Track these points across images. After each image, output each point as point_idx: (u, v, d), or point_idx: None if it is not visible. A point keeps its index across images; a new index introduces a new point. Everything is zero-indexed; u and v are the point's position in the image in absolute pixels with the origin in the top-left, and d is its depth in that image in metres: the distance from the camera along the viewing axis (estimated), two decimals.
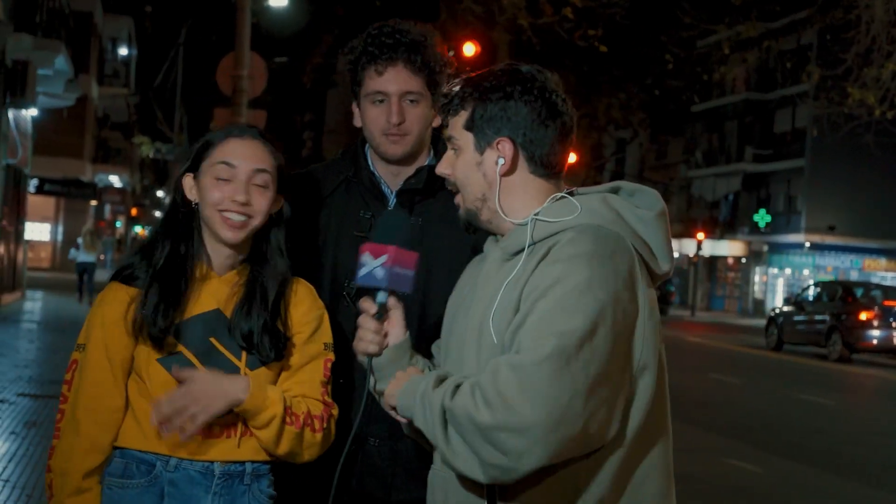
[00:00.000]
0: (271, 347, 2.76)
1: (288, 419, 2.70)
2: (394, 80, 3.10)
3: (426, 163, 3.22)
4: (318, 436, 2.76)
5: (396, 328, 2.62)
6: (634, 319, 2.36)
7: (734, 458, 11.32)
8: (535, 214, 2.46)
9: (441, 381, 2.38)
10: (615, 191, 2.53)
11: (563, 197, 2.48)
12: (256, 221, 2.79)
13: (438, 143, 3.26)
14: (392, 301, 2.60)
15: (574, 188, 2.55)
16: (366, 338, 2.60)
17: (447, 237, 3.16)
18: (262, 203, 2.78)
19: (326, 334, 2.88)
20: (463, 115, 2.53)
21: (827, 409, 16.57)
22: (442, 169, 2.58)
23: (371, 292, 2.61)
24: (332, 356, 2.86)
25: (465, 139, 2.53)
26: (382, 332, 2.59)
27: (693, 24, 25.41)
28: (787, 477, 10.75)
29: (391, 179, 3.22)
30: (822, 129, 25.94)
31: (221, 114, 16.00)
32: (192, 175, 2.81)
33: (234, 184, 2.75)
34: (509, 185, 2.50)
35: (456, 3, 27.67)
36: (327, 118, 65.19)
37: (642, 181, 54.79)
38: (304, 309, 2.86)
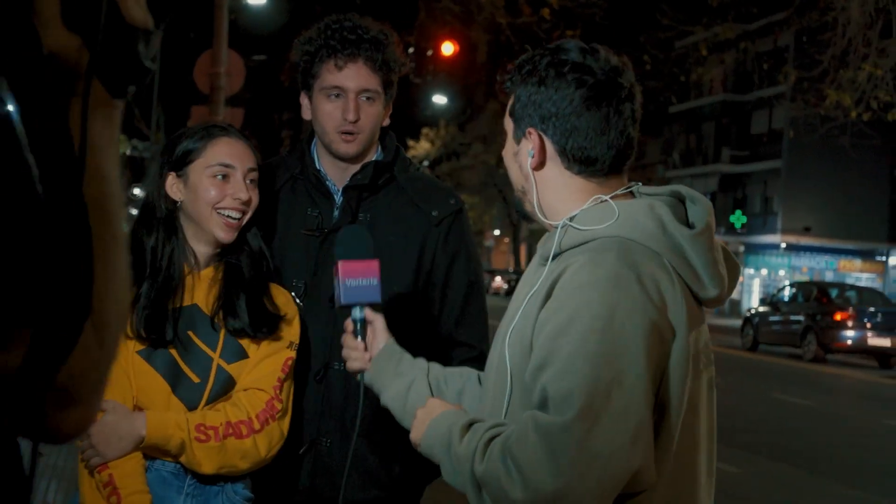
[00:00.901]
0: (254, 325, 2.82)
1: (202, 436, 2.68)
2: (353, 76, 3.09)
3: (373, 158, 3.20)
4: (248, 441, 2.74)
5: (378, 338, 2.57)
6: (671, 345, 2.10)
7: None
8: (569, 219, 2.22)
9: (468, 427, 2.17)
10: (678, 196, 2.28)
11: (603, 200, 2.22)
12: (248, 217, 2.87)
13: (386, 138, 3.26)
14: (369, 313, 2.59)
15: (636, 185, 2.31)
16: (349, 356, 2.60)
17: (394, 233, 3.15)
18: (255, 199, 2.88)
19: (295, 334, 2.91)
20: (511, 100, 2.31)
21: (803, 409, 16.64)
22: (503, 152, 2.40)
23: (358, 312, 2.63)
24: (293, 355, 2.88)
25: (509, 126, 2.33)
26: (362, 347, 2.56)
27: (671, 26, 25.47)
28: (764, 477, 10.79)
29: (338, 175, 3.20)
30: (798, 131, 26.03)
31: (199, 112, 15.93)
32: (173, 174, 2.84)
33: (233, 183, 2.82)
34: (546, 181, 2.27)
35: (434, 1, 27.66)
36: None
37: None
38: (283, 301, 2.93)
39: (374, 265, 2.58)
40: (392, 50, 3.15)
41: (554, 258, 2.21)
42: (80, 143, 0.99)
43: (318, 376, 3.09)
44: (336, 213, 3.18)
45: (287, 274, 3.12)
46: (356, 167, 3.18)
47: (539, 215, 2.29)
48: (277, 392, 2.83)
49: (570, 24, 24.73)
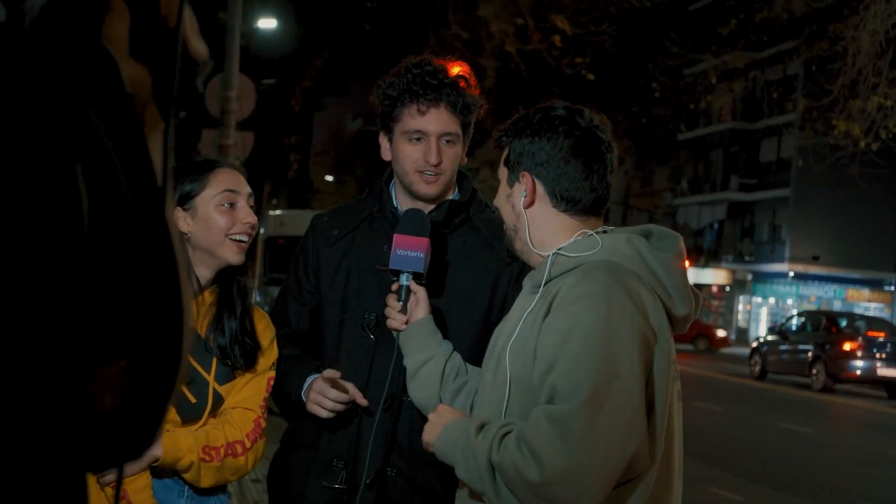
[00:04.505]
0: (242, 356, 3.00)
1: (207, 457, 2.89)
2: (435, 120, 3.16)
3: (449, 198, 3.28)
4: (242, 459, 2.97)
5: (417, 309, 2.95)
6: (654, 348, 2.43)
7: (716, 486, 11.31)
8: (557, 249, 2.57)
9: (481, 428, 2.46)
10: (646, 233, 2.63)
11: (587, 233, 2.58)
12: (252, 239, 3.06)
13: (464, 180, 3.33)
14: (413, 284, 2.96)
15: (610, 227, 2.65)
16: (390, 315, 2.98)
17: (466, 271, 3.22)
18: (258, 222, 3.07)
19: (275, 354, 3.13)
20: (505, 151, 2.70)
21: (810, 439, 16.59)
22: (494, 201, 2.78)
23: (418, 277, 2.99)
24: (274, 374, 3.10)
25: (503, 173, 2.71)
26: (398, 308, 2.95)
27: (680, 53, 25.52)
28: None
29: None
30: (807, 160, 26.01)
31: (209, 135, 15.99)
32: (179, 208, 2.99)
33: (240, 209, 3.00)
34: (536, 219, 2.63)
35: (444, 28, 27.76)
36: (314, 140, 65.17)
37: (627, 208, 54.92)
38: (263, 326, 3.12)
39: (423, 242, 2.95)
40: (471, 93, 3.21)
41: (545, 284, 2.54)
42: (163, 170, 1.03)
43: (386, 405, 3.13)
44: None
45: (360, 307, 3.21)
46: (432, 206, 3.24)
47: (530, 247, 2.64)
48: (263, 411, 3.05)
49: (580, 51, 24.79)
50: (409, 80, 3.17)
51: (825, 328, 27.47)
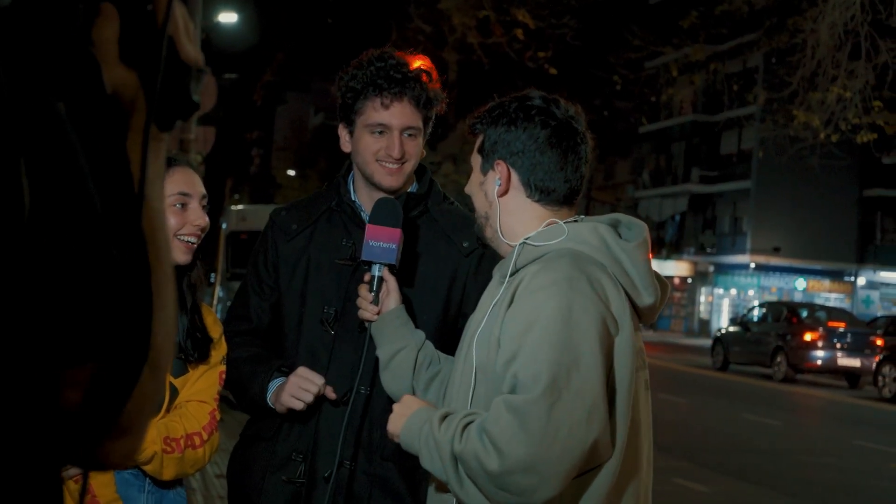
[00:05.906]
0: (195, 349, 3.03)
1: (168, 448, 2.91)
2: (398, 114, 3.16)
3: (408, 190, 3.28)
4: (200, 451, 2.99)
5: (389, 299, 2.97)
6: (616, 337, 2.42)
7: (680, 477, 11.37)
8: (525, 239, 2.57)
9: (444, 418, 2.46)
10: (614, 222, 2.63)
11: (554, 223, 2.58)
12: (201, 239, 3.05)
13: (423, 172, 3.33)
14: (386, 274, 2.96)
15: (581, 216, 2.65)
16: (361, 305, 2.98)
17: (425, 263, 3.22)
18: (208, 223, 3.07)
19: (224, 349, 3.15)
20: (479, 139, 2.68)
21: (772, 429, 16.70)
22: (465, 188, 2.76)
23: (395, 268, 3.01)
24: (224, 368, 3.13)
25: (476, 161, 2.69)
26: (370, 299, 2.95)
27: (641, 46, 25.60)
28: (733, 496, 10.81)
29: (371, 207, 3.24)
30: (767, 152, 26.15)
31: None
32: None
33: (191, 210, 2.99)
34: (508, 208, 2.62)
35: (406, 21, 27.73)
36: (276, 135, 64.97)
37: (590, 201, 55.10)
38: (211, 321, 3.14)
39: (396, 233, 2.94)
40: (433, 87, 3.22)
41: (512, 274, 2.54)
42: (140, 178, 1.01)
43: (344, 399, 3.14)
44: None
45: (319, 301, 3.21)
46: (391, 198, 3.22)
47: (499, 236, 2.63)
48: (217, 403, 3.09)
49: (542, 44, 24.82)
50: (372, 72, 3.16)
51: (786, 319, 27.66)
